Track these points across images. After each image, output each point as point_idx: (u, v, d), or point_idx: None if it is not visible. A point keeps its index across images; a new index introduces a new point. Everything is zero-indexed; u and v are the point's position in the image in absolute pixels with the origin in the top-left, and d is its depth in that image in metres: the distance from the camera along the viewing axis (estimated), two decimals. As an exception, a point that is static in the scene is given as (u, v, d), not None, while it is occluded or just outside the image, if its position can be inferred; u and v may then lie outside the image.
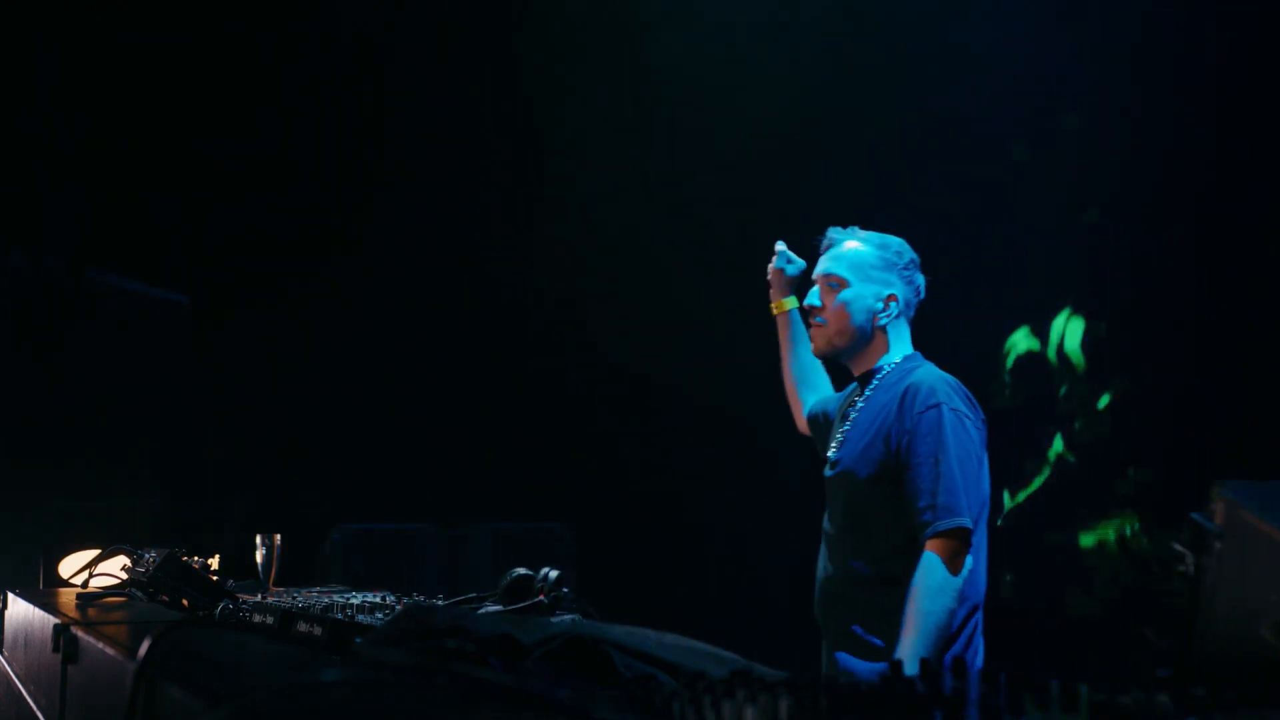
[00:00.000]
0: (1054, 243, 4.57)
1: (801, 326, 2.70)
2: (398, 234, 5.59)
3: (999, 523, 4.64)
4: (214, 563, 2.33)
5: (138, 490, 4.79)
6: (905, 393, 2.29)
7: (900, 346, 2.47)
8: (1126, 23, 4.23)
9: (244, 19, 5.06)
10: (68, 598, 2.45)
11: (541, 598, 1.58)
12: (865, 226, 2.57)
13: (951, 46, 4.55)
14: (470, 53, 5.34)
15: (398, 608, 1.57)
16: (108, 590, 2.35)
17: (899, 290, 2.44)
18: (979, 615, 2.38)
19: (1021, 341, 4.71)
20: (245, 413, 5.61)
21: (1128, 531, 4.23)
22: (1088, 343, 4.47)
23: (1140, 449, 4.20)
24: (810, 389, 2.78)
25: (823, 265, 2.47)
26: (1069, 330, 4.54)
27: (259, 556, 2.47)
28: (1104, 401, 4.36)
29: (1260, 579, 0.85)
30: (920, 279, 2.51)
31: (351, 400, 5.69)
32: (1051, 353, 4.59)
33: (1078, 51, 4.38)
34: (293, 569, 2.64)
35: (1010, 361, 4.74)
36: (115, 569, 2.38)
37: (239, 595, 1.98)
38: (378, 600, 1.76)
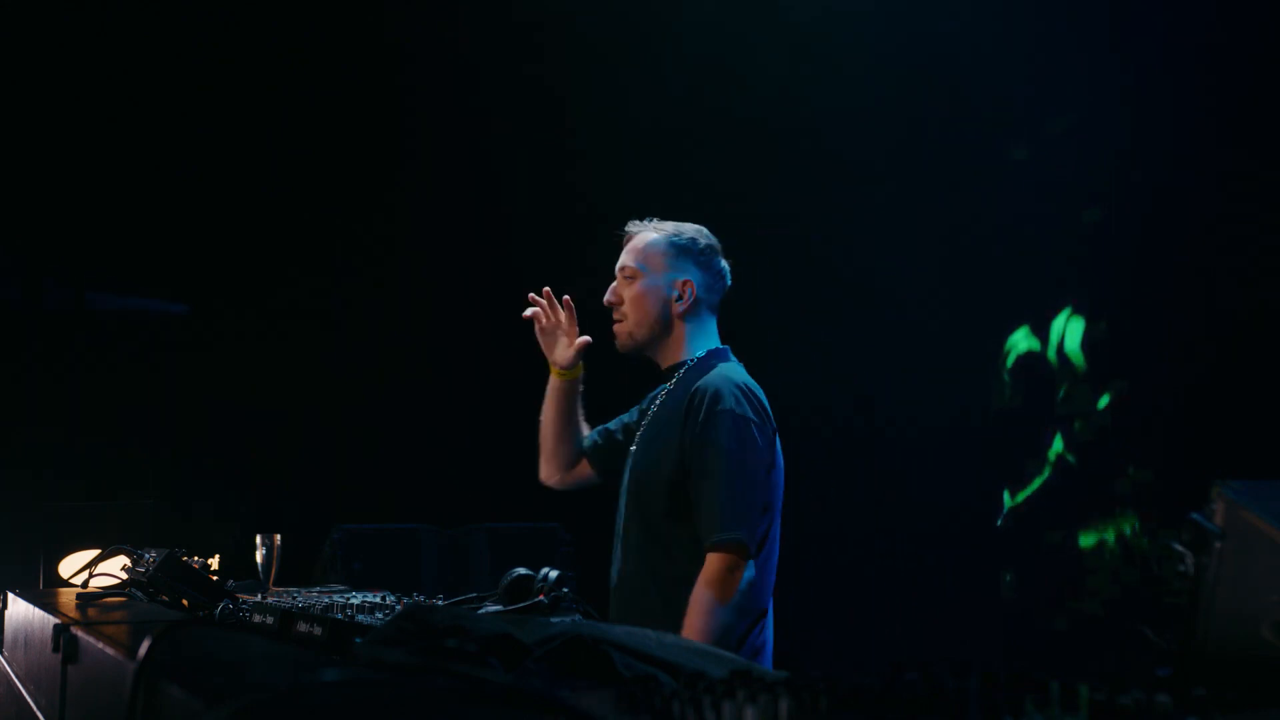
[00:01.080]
0: (1054, 243, 4.57)
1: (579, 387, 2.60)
2: (397, 236, 5.59)
3: (999, 523, 4.64)
4: (214, 563, 2.33)
5: (137, 490, 4.79)
6: (693, 396, 2.24)
7: (703, 339, 2.42)
8: (1128, 21, 4.23)
9: (241, 27, 5.06)
10: (68, 598, 2.45)
11: (541, 598, 1.58)
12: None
13: (951, 45, 4.55)
14: (471, 59, 5.34)
15: (397, 608, 1.57)
16: (108, 590, 2.35)
17: (694, 276, 2.39)
18: (766, 624, 2.32)
19: (1021, 341, 4.72)
20: (245, 413, 5.61)
21: (1128, 531, 4.23)
22: (1088, 343, 4.47)
23: (1140, 449, 4.20)
24: (580, 434, 2.64)
25: (620, 260, 2.44)
26: (1069, 330, 4.54)
27: (259, 556, 2.47)
28: (1104, 401, 4.36)
29: (1260, 579, 0.85)
30: (721, 264, 2.46)
31: (351, 400, 5.69)
32: (1051, 353, 4.59)
33: (1079, 50, 4.38)
34: (293, 569, 2.64)
35: (1010, 361, 4.74)
36: (115, 569, 2.38)
37: (239, 595, 1.98)
38: (378, 600, 1.76)
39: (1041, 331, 4.66)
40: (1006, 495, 4.62)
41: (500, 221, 5.33)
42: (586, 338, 2.53)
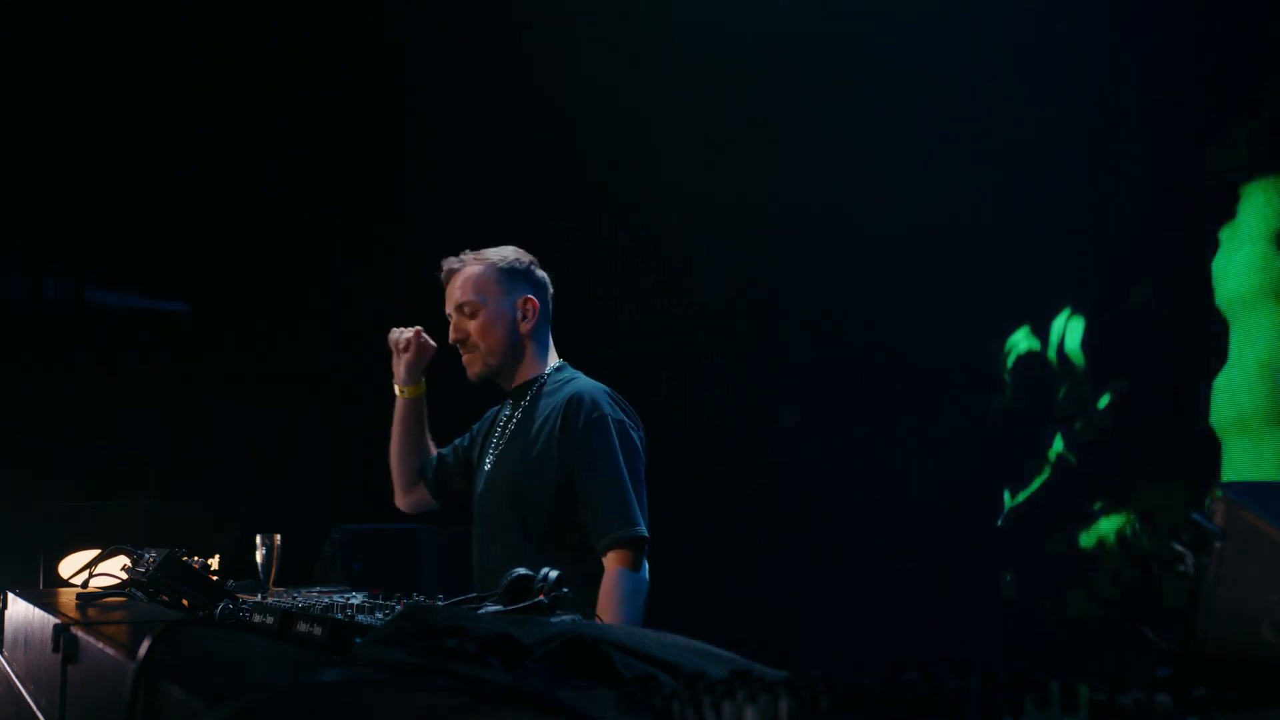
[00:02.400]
0: (1054, 242, 4.57)
1: (424, 406, 2.73)
2: (398, 235, 5.59)
3: (999, 523, 4.64)
4: (214, 563, 2.34)
5: (137, 490, 4.79)
6: (568, 405, 2.36)
7: (547, 355, 2.55)
8: (1128, 20, 4.23)
9: (242, 27, 5.06)
10: (68, 598, 2.45)
11: (541, 598, 1.58)
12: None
13: (950, 44, 4.55)
14: (470, 59, 5.34)
15: (397, 608, 1.57)
16: (108, 590, 2.35)
17: (533, 293, 2.51)
18: None
19: (1021, 341, 4.71)
20: (245, 413, 5.61)
21: (1128, 531, 4.24)
22: (1088, 343, 4.47)
23: (1140, 449, 4.20)
24: (428, 456, 2.76)
25: (452, 297, 2.52)
26: (1069, 330, 4.54)
27: (259, 556, 2.47)
28: (1104, 401, 4.36)
29: (1260, 579, 0.85)
30: (537, 271, 2.56)
31: (352, 400, 5.69)
32: (1051, 353, 4.59)
33: (1079, 49, 4.38)
34: (293, 569, 2.64)
35: (1010, 361, 4.74)
36: (115, 569, 2.38)
37: (239, 595, 1.98)
38: (378, 600, 1.76)
39: (1041, 331, 4.66)
40: (1006, 495, 4.62)
41: (501, 221, 5.33)
42: (427, 343, 2.68)
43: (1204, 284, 4.06)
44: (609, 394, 2.41)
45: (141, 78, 5.11)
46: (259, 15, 5.09)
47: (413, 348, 2.67)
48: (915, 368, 4.64)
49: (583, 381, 2.45)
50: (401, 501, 2.80)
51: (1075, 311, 4.55)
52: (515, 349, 2.49)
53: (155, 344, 5.75)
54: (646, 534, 2.30)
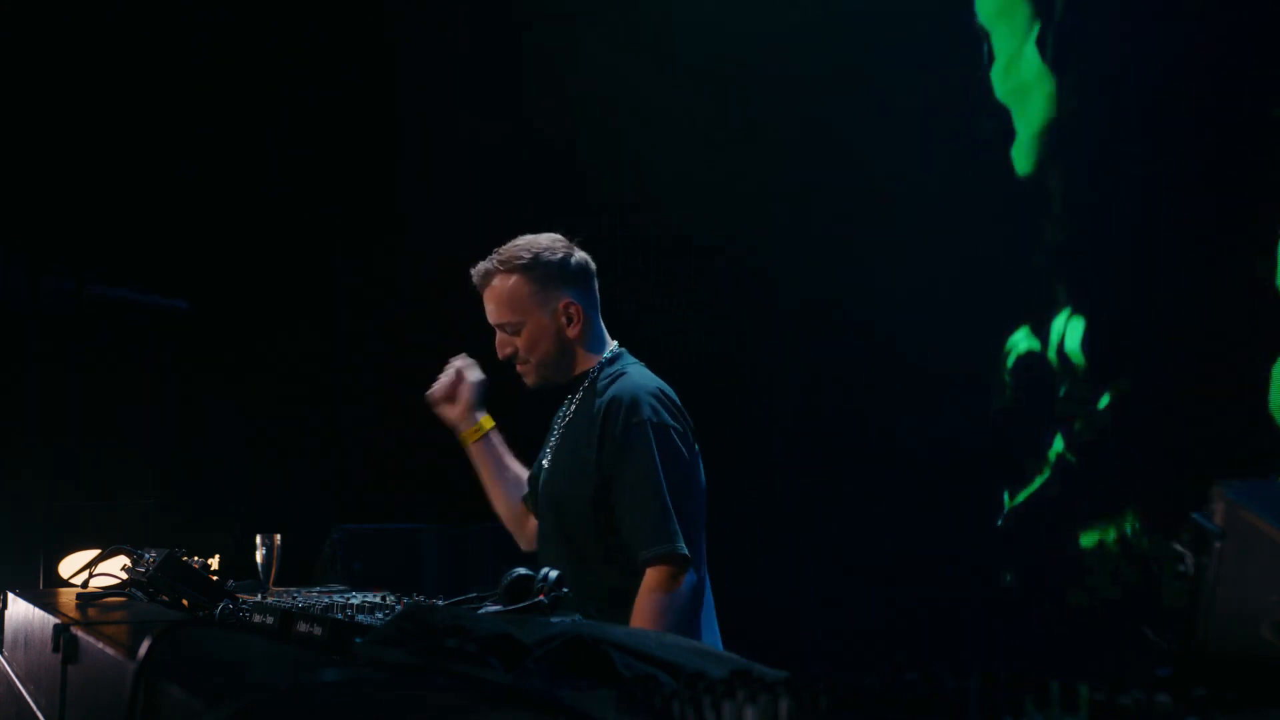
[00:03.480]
0: (1054, 242, 4.57)
1: (498, 439, 2.53)
2: (399, 235, 5.59)
3: (999, 523, 4.64)
4: (214, 563, 2.34)
5: (137, 490, 4.79)
6: (608, 407, 2.19)
7: (598, 344, 2.37)
8: (1129, 18, 4.23)
9: (243, 26, 5.06)
10: (68, 598, 2.45)
11: (541, 598, 1.58)
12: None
13: (949, 42, 4.55)
14: (469, 60, 5.34)
15: (398, 608, 1.57)
16: (108, 590, 2.35)
17: (570, 293, 2.32)
18: (708, 618, 2.33)
19: (1021, 341, 4.71)
20: (245, 413, 5.61)
21: (1128, 531, 4.23)
22: (1088, 343, 4.47)
23: (1140, 449, 4.20)
24: (521, 484, 2.56)
25: (491, 314, 2.36)
26: (1069, 330, 4.54)
27: (259, 556, 2.47)
28: (1104, 401, 4.36)
29: (1260, 579, 0.85)
30: (576, 261, 2.36)
31: (351, 400, 5.69)
32: (1051, 353, 4.59)
33: (1079, 47, 4.38)
34: (293, 569, 2.64)
35: (1010, 361, 4.74)
36: (115, 569, 2.38)
37: (239, 595, 1.98)
38: (378, 600, 1.76)
39: (1041, 331, 4.66)
40: (1006, 495, 4.62)
41: (502, 221, 5.32)
42: (473, 377, 2.48)
43: (1205, 282, 4.06)
44: (655, 393, 2.22)
45: (141, 75, 5.11)
46: (259, 14, 5.09)
47: (461, 394, 2.48)
48: (915, 367, 4.64)
49: (628, 379, 2.25)
50: (520, 540, 2.58)
51: (1075, 312, 4.55)
52: (569, 354, 2.33)
53: (155, 343, 5.75)
54: (684, 550, 2.10)
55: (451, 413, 2.52)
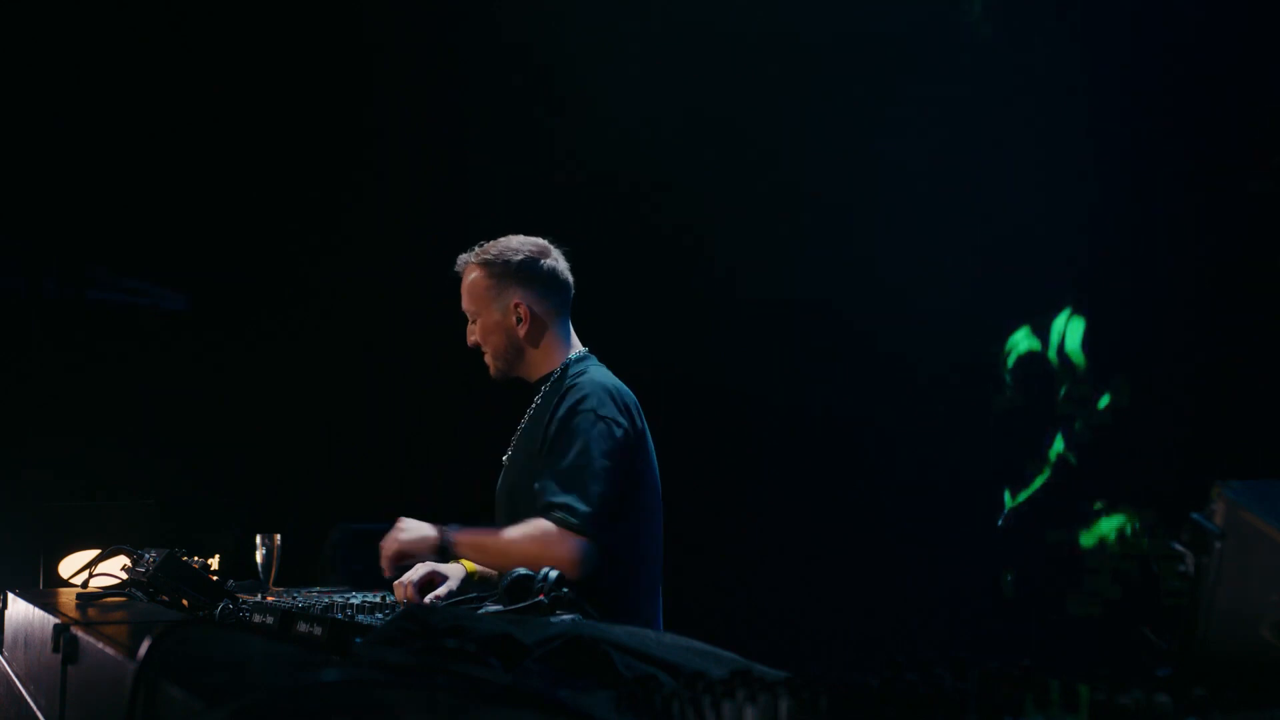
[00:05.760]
0: (1054, 241, 4.57)
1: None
2: (400, 236, 5.59)
3: (999, 523, 4.64)
4: (214, 563, 2.34)
5: (137, 490, 4.79)
6: (560, 402, 2.29)
7: (557, 347, 2.45)
8: (1130, 17, 4.23)
9: (245, 24, 5.06)
10: (68, 598, 2.45)
11: (541, 598, 1.58)
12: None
13: (950, 42, 4.55)
14: (465, 55, 5.34)
15: (398, 608, 1.57)
16: (108, 590, 2.35)
17: (522, 295, 2.41)
18: (652, 607, 2.35)
19: (1021, 341, 4.71)
20: (245, 413, 5.61)
21: (1128, 531, 4.23)
22: (1088, 343, 4.47)
23: (1140, 449, 4.20)
24: None
25: (462, 302, 2.49)
26: (1069, 330, 4.54)
27: (259, 556, 2.47)
28: (1104, 401, 4.36)
29: (1260, 579, 0.85)
30: (545, 266, 2.44)
31: (352, 400, 5.69)
32: (1052, 353, 4.59)
33: (1079, 46, 4.38)
34: (293, 569, 2.64)
35: (1010, 361, 4.74)
36: (115, 569, 2.38)
37: (239, 595, 1.98)
38: (378, 600, 1.77)
39: (1042, 331, 4.66)
40: (1007, 495, 4.62)
41: (503, 221, 5.32)
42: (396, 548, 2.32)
43: (1205, 282, 4.06)
44: (609, 390, 2.29)
45: (142, 73, 5.11)
46: (262, 12, 5.09)
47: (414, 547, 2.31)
48: (916, 367, 4.64)
49: (588, 376, 2.33)
50: None
51: (1075, 311, 4.55)
52: (518, 352, 2.43)
53: (155, 343, 5.75)
54: (583, 509, 2.12)
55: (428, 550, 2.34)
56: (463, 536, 2.26)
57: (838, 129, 4.72)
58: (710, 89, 4.90)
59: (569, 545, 2.12)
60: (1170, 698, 0.66)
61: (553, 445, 2.24)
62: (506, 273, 2.42)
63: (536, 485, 2.22)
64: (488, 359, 2.47)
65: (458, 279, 2.52)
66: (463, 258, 2.49)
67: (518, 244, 2.46)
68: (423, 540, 2.25)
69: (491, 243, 2.48)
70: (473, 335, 2.47)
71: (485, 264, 2.44)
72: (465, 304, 2.47)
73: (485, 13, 5.06)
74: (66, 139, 5.16)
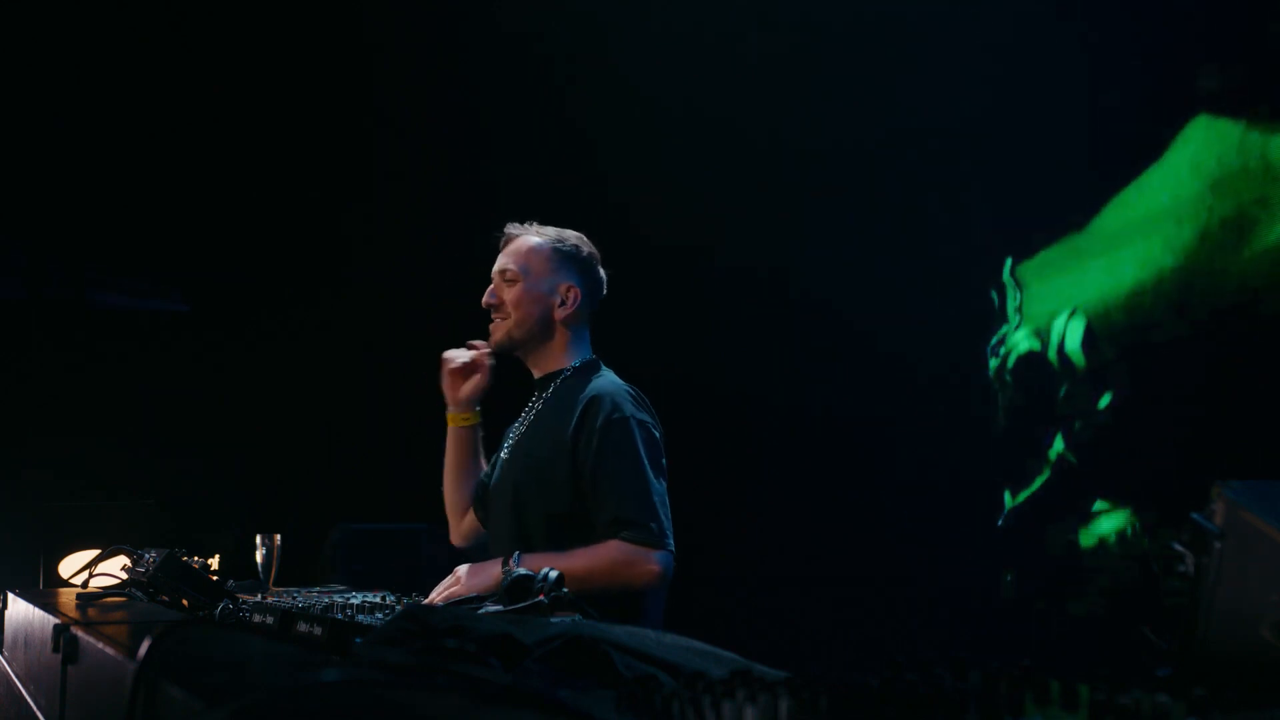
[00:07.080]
0: (1054, 242, 4.57)
1: (479, 436, 2.57)
2: (400, 236, 5.59)
3: (999, 523, 4.64)
4: (214, 563, 2.34)
5: (137, 490, 4.79)
6: (587, 406, 2.24)
7: (580, 348, 2.42)
8: (1130, 17, 4.23)
9: (247, 26, 5.06)
10: (68, 598, 2.45)
11: (541, 598, 1.58)
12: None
13: (950, 41, 4.55)
14: (466, 57, 5.34)
15: (398, 608, 1.57)
16: (108, 590, 2.35)
17: (578, 282, 2.39)
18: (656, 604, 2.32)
19: (1021, 341, 4.71)
20: (245, 413, 5.61)
21: (1128, 531, 4.23)
22: (1088, 343, 4.47)
23: (1140, 449, 4.20)
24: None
25: (499, 261, 2.42)
26: (1069, 330, 4.54)
27: (259, 556, 2.47)
28: (1104, 401, 4.36)
29: (1260, 579, 0.85)
30: (601, 274, 2.45)
31: (351, 400, 5.69)
32: (1052, 353, 4.59)
33: (1079, 46, 4.38)
34: (293, 569, 2.64)
35: (1010, 361, 4.74)
36: (115, 569, 2.38)
37: (239, 595, 1.98)
38: (377, 600, 1.76)
39: (1042, 331, 4.66)
40: (1007, 495, 4.62)
41: (503, 221, 5.32)
42: (483, 352, 2.46)
43: (1205, 282, 4.06)
44: (632, 394, 2.29)
45: (142, 73, 5.11)
46: (265, 14, 5.09)
47: (479, 373, 2.49)
48: (916, 367, 4.64)
49: (605, 381, 2.31)
50: (454, 535, 2.62)
51: (1075, 312, 4.55)
52: (544, 331, 2.37)
53: (155, 343, 5.75)
54: (657, 529, 2.13)
55: (455, 387, 2.53)
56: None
57: (838, 129, 4.72)
58: (710, 89, 4.90)
59: (650, 563, 2.12)
60: (1170, 698, 0.66)
61: (598, 458, 2.19)
62: (570, 257, 2.40)
63: (592, 504, 2.18)
64: (501, 324, 2.39)
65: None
66: (517, 225, 2.44)
67: (580, 240, 2.44)
68: (490, 579, 2.10)
69: (552, 227, 2.44)
70: (501, 294, 2.38)
71: (554, 240, 2.40)
72: (511, 262, 2.38)
73: (485, 13, 5.06)
74: (67, 140, 5.16)
